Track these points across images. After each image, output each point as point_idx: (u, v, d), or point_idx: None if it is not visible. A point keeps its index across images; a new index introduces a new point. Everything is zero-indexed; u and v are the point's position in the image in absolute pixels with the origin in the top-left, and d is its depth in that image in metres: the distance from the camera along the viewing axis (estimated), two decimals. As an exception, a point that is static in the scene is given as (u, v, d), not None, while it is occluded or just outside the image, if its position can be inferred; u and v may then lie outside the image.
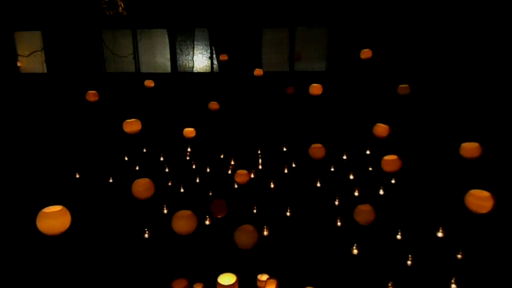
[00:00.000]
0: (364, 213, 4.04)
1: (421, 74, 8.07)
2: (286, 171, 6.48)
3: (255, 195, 5.68)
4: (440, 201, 5.35)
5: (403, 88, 6.30)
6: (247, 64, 8.83)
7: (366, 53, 6.55)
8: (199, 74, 9.35)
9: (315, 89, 6.58)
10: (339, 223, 4.99)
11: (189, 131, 6.41)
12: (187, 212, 3.57)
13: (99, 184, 6.35)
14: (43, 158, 7.33)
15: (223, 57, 8.47)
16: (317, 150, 5.28)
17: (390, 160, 4.65)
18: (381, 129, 5.27)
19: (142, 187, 4.05)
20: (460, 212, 5.02)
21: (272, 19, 8.68)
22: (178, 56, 9.32)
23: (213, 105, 6.92)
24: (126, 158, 7.13)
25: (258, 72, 7.37)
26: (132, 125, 5.37)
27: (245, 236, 3.32)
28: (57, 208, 3.07)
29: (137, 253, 4.53)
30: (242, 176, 5.09)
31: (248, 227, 3.36)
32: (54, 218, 3.01)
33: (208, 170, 6.68)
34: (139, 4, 8.64)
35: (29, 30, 9.44)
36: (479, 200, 3.55)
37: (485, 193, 3.54)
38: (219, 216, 4.53)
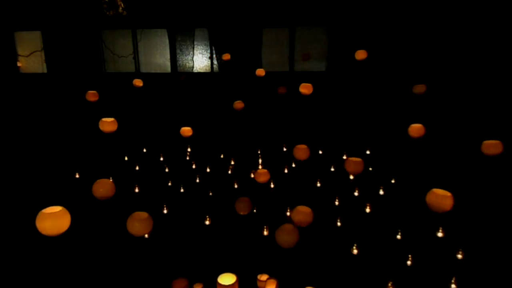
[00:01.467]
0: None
1: (420, 74, 8.07)
2: (286, 171, 6.47)
3: (255, 195, 5.68)
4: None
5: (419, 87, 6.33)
6: (247, 64, 8.83)
7: (361, 54, 6.55)
8: (199, 74, 9.35)
9: (306, 88, 6.53)
10: (339, 223, 4.99)
11: (186, 130, 6.39)
12: (144, 215, 3.52)
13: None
14: (43, 158, 7.32)
15: (226, 56, 8.44)
16: (301, 151, 5.29)
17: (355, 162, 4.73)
18: (415, 129, 5.30)
19: (102, 187, 4.03)
20: (460, 212, 5.03)
21: (272, 19, 8.68)
22: (178, 56, 9.32)
23: (238, 104, 6.85)
24: (126, 158, 7.13)
25: (260, 72, 7.34)
26: (109, 125, 5.34)
27: (287, 235, 3.32)
28: (56, 209, 3.06)
29: (137, 253, 4.52)
30: (263, 175, 5.12)
31: (289, 227, 3.36)
32: (53, 219, 3.00)
33: (208, 170, 6.68)
34: (139, 4, 8.64)
35: (29, 30, 9.44)
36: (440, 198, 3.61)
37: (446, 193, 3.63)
38: (242, 213, 4.54)
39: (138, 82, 7.49)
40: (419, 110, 7.76)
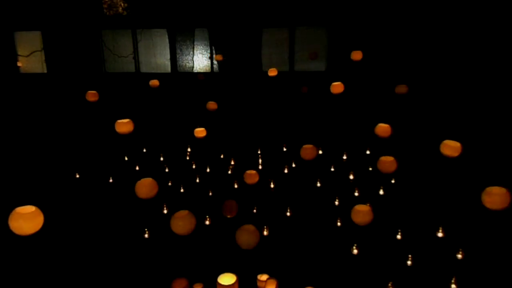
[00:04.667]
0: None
1: (420, 73, 8.07)
2: (286, 171, 6.47)
3: (255, 195, 5.68)
4: (440, 201, 5.35)
5: (401, 87, 6.32)
6: (247, 64, 8.83)
7: (356, 55, 6.53)
8: (199, 74, 9.34)
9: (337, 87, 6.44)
10: (339, 223, 4.99)
11: (199, 131, 6.39)
12: (184, 212, 3.56)
13: (99, 184, 6.34)
14: (43, 158, 7.33)
15: (218, 57, 8.48)
16: (308, 151, 5.30)
17: (387, 161, 4.70)
18: (382, 129, 5.27)
19: (145, 187, 4.04)
20: (461, 212, 5.04)
21: (272, 19, 8.68)
22: (178, 56, 9.32)
23: (211, 105, 6.91)
24: (126, 158, 7.13)
25: (272, 72, 7.33)
26: (125, 126, 5.33)
27: (247, 236, 3.32)
28: (30, 209, 3.04)
29: (137, 253, 4.52)
30: (251, 176, 5.11)
31: (250, 227, 3.36)
32: (26, 219, 2.98)
33: (208, 170, 6.68)
34: (139, 4, 8.65)
35: (29, 30, 9.44)
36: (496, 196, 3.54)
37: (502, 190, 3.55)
38: (229, 216, 4.54)
39: (155, 82, 7.52)
40: (417, 110, 7.76)
